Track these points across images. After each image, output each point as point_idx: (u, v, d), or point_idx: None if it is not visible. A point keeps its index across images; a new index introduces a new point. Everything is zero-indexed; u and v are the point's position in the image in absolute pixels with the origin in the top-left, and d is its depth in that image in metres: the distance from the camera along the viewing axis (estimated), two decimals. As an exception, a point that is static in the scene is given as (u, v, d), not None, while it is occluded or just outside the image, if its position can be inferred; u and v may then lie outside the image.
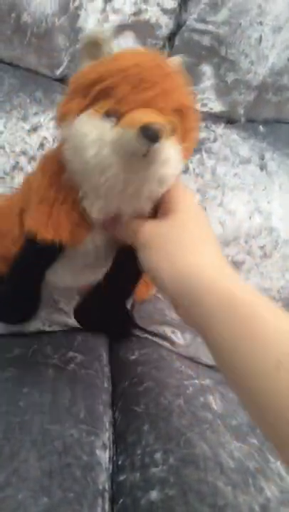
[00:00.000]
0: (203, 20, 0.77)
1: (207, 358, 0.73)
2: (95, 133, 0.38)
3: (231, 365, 0.33)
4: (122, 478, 0.48)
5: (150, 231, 0.40)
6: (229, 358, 0.33)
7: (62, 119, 0.41)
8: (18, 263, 0.47)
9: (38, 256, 0.46)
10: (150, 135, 0.35)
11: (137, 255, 0.41)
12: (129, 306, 0.69)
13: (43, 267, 0.47)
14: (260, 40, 0.77)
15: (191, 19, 0.78)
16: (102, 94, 0.38)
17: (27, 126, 0.70)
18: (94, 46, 0.41)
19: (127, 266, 0.43)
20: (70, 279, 0.51)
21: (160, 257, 0.38)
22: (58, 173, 0.43)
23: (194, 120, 0.43)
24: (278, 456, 0.34)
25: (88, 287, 0.52)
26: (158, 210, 0.43)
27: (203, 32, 0.78)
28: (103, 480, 0.46)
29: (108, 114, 0.38)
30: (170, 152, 0.39)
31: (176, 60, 0.45)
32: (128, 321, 0.58)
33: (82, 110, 0.39)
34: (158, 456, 0.48)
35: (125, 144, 0.36)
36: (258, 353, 0.31)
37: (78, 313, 0.54)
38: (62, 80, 0.78)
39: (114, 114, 0.38)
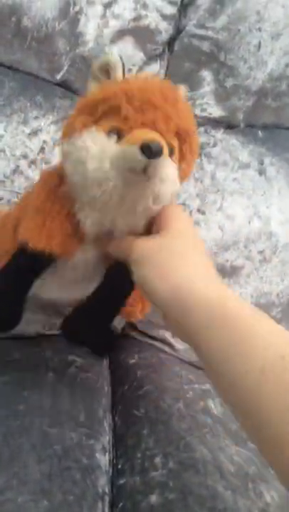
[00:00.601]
0: (203, 26, 0.78)
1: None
2: (97, 148, 0.40)
3: (219, 372, 0.35)
4: (122, 481, 0.47)
5: (142, 247, 0.42)
6: (217, 366, 0.35)
7: (67, 134, 0.43)
8: (6, 270, 0.48)
9: (28, 264, 0.46)
10: (150, 151, 0.37)
11: (126, 273, 0.43)
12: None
13: (31, 277, 0.48)
14: (259, 46, 0.78)
15: (191, 25, 0.79)
16: (106, 113, 0.41)
17: (27, 130, 0.70)
18: (104, 70, 0.43)
19: (116, 283, 0.45)
20: (56, 293, 0.52)
21: (152, 272, 0.40)
22: (56, 186, 0.45)
23: (194, 144, 0.45)
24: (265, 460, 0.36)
25: (75, 303, 0.53)
26: (151, 229, 0.45)
27: (202, 38, 0.78)
28: (103, 483, 0.46)
29: (111, 132, 0.40)
30: (168, 171, 0.41)
31: (182, 89, 0.47)
32: (110, 337, 0.58)
33: (86, 127, 0.41)
34: (158, 459, 0.48)
35: (126, 159, 0.38)
36: (244, 358, 0.32)
37: (66, 325, 0.53)
38: (62, 84, 0.78)
39: (117, 132, 0.40)
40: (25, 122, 0.70)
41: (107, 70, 0.43)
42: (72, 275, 0.49)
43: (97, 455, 0.48)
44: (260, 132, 0.86)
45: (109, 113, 0.41)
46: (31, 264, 0.46)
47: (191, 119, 0.45)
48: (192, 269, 0.40)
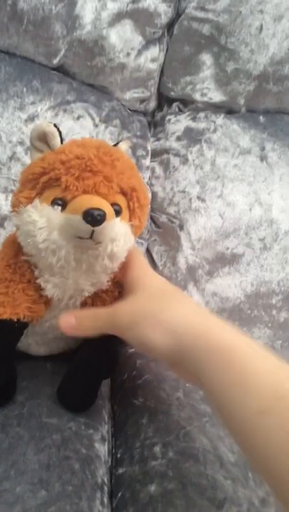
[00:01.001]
0: (203, 9, 0.76)
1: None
2: (43, 220, 0.42)
3: (223, 411, 0.36)
4: (121, 471, 0.47)
5: (126, 314, 0.43)
6: (219, 405, 0.36)
7: (15, 208, 0.45)
8: None
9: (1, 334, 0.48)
10: (93, 219, 0.38)
11: None
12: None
13: (8, 343, 0.49)
14: (260, 28, 0.76)
15: (191, 7, 0.77)
16: (48, 185, 0.42)
17: (24, 116, 0.69)
18: (41, 139, 0.44)
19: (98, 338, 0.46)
20: (44, 349, 0.54)
21: (146, 329, 0.41)
22: (15, 255, 0.47)
23: (141, 198, 0.46)
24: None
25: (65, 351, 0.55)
26: (122, 292, 0.47)
27: (202, 20, 0.77)
28: (102, 473, 0.46)
29: (55, 202, 0.42)
30: (117, 230, 0.42)
31: (123, 146, 0.49)
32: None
33: (31, 200, 0.43)
34: (157, 449, 0.47)
35: (71, 228, 0.40)
36: (242, 399, 0.33)
37: (63, 395, 0.51)
38: (59, 68, 0.76)
39: (60, 202, 0.42)
40: (21, 108, 0.69)
41: (44, 140, 0.44)
42: (52, 333, 0.51)
43: (96, 445, 0.48)
44: (261, 117, 0.84)
45: (51, 184, 0.42)
46: (3, 332, 0.47)
47: (133, 174, 0.46)
48: (181, 312, 0.41)
